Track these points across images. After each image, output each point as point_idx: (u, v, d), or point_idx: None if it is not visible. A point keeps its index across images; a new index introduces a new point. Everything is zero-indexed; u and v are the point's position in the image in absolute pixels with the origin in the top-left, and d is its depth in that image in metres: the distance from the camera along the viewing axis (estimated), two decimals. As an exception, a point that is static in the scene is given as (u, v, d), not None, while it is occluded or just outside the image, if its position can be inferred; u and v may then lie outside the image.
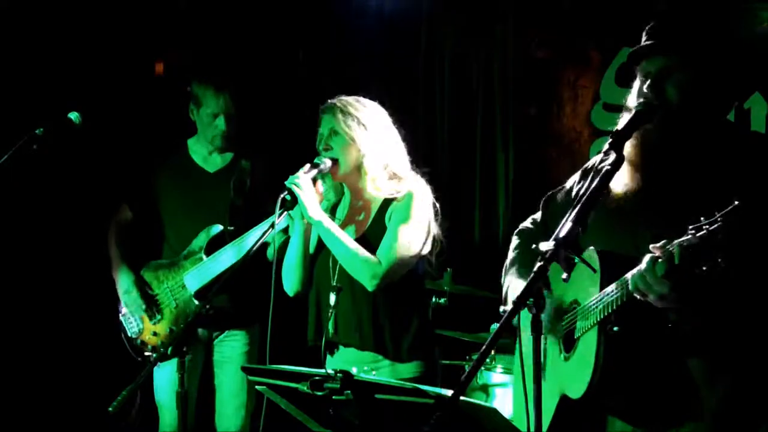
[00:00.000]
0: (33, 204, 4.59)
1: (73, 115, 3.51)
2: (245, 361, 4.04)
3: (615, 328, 2.27)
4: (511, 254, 2.85)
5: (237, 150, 4.17)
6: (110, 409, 2.90)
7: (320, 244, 3.33)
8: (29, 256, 4.68)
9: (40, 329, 4.71)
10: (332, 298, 3.24)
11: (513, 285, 2.68)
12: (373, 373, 3.11)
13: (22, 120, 3.60)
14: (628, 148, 2.36)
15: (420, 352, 3.27)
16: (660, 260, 2.12)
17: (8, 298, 4.57)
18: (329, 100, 3.35)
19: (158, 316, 4.01)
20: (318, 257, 3.34)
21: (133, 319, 4.05)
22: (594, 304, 2.33)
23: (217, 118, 4.05)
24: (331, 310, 3.24)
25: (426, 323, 3.35)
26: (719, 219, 2.03)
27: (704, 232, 2.03)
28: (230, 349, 4.06)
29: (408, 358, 3.24)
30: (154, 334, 4.02)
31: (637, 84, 2.46)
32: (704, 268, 2.07)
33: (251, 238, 3.75)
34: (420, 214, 3.24)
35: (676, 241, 2.08)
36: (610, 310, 2.26)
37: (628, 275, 2.23)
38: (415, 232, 3.22)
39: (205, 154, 4.16)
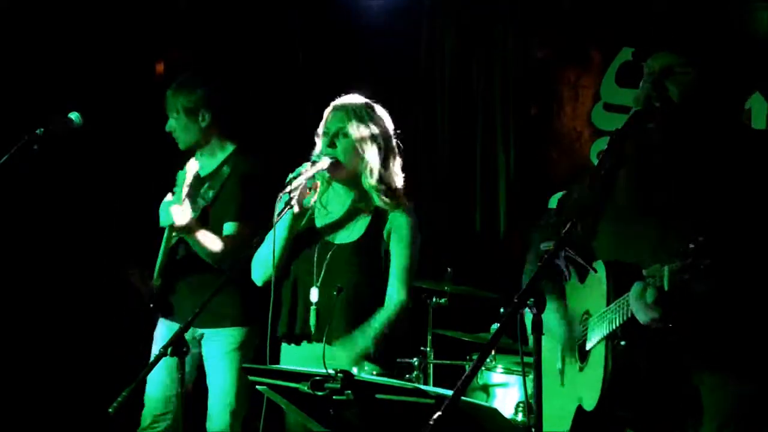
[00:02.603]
0: (33, 204, 4.59)
1: (74, 115, 3.51)
2: (230, 361, 4.01)
3: (622, 343, 2.28)
4: (529, 255, 2.87)
5: (230, 154, 4.08)
6: (110, 409, 2.90)
7: (305, 237, 3.33)
8: (30, 256, 4.68)
9: (41, 329, 4.71)
10: (314, 293, 3.24)
11: None
12: (374, 373, 3.11)
13: (22, 120, 3.60)
14: (630, 149, 2.36)
15: (390, 355, 3.30)
16: (650, 287, 2.13)
17: (9, 298, 4.57)
18: (343, 98, 3.33)
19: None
20: (301, 252, 3.33)
21: None
22: (601, 319, 2.34)
23: (177, 116, 4.00)
24: (312, 306, 3.24)
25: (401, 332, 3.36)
26: (706, 243, 2.02)
27: (691, 258, 2.03)
28: (215, 349, 4.01)
29: (377, 360, 3.24)
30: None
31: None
32: (694, 292, 2.08)
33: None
34: (416, 241, 3.31)
35: (665, 267, 2.09)
36: (614, 327, 2.27)
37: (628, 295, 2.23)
38: (415, 262, 3.30)
39: (200, 157, 4.13)
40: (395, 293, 3.24)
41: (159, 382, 3.95)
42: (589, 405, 2.37)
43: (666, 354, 2.29)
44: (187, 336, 4.02)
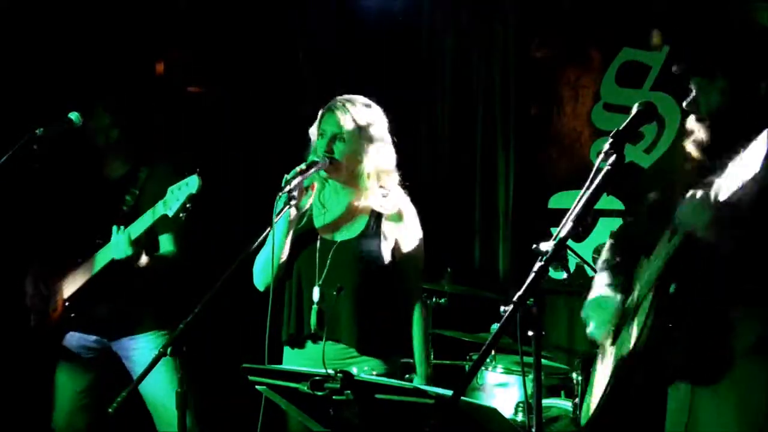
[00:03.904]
0: (33, 204, 4.58)
1: (73, 115, 3.51)
2: (165, 364, 3.94)
3: (672, 287, 2.28)
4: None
5: (137, 160, 4.07)
6: (110, 409, 2.89)
7: (306, 237, 3.33)
8: (30, 256, 4.68)
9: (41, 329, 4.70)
10: (316, 292, 3.24)
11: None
12: (374, 372, 3.11)
13: (22, 120, 3.60)
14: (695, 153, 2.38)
15: (391, 352, 3.32)
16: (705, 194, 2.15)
17: (8, 298, 4.56)
18: (340, 99, 3.33)
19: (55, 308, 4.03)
20: (300, 252, 3.33)
21: None
22: (647, 268, 2.35)
23: (97, 131, 4.00)
24: (314, 306, 3.25)
25: (402, 324, 3.38)
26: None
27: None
28: (145, 357, 3.88)
29: (381, 356, 3.27)
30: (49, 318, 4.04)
31: None
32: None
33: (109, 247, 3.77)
34: (419, 234, 3.37)
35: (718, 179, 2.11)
36: (661, 263, 2.28)
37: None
38: (422, 254, 3.40)
39: (110, 163, 4.11)
40: (417, 293, 3.39)
41: (65, 396, 3.99)
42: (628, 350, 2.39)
43: (710, 333, 2.28)
44: (93, 345, 4.04)
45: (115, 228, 3.69)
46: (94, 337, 4.03)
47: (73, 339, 4.03)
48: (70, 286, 3.96)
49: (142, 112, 4.26)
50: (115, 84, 4.57)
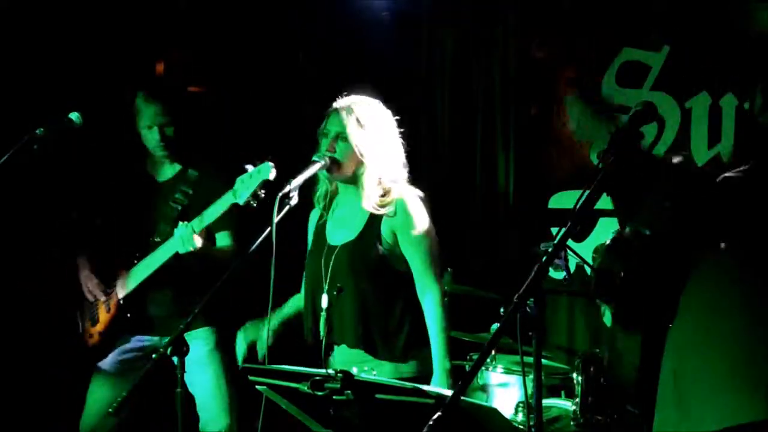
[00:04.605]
0: (33, 204, 4.59)
1: (73, 115, 3.52)
2: (214, 361, 4.02)
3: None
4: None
5: (186, 160, 4.14)
6: (110, 410, 2.90)
7: (318, 242, 3.33)
8: (30, 256, 4.68)
9: (41, 330, 4.70)
10: (324, 299, 3.24)
11: None
12: (374, 372, 3.11)
13: (22, 120, 3.60)
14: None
15: (415, 351, 3.27)
16: None
17: (8, 297, 4.57)
18: (345, 99, 3.32)
19: (97, 320, 4.05)
20: (309, 258, 3.34)
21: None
22: None
23: (150, 129, 4.05)
24: (322, 312, 3.24)
25: (419, 322, 3.34)
26: None
27: None
28: (195, 352, 3.94)
29: (403, 357, 3.24)
30: (90, 336, 4.07)
31: None
32: None
33: (173, 241, 3.80)
34: (424, 231, 3.32)
35: None
36: None
37: None
38: (434, 250, 3.34)
39: (157, 164, 4.17)
40: (427, 289, 3.27)
41: (99, 398, 4.00)
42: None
43: None
44: (144, 344, 4.05)
45: (180, 223, 3.73)
46: (146, 337, 4.05)
47: (128, 341, 4.06)
48: (125, 287, 3.98)
49: (188, 113, 4.31)
50: (166, 85, 4.61)
